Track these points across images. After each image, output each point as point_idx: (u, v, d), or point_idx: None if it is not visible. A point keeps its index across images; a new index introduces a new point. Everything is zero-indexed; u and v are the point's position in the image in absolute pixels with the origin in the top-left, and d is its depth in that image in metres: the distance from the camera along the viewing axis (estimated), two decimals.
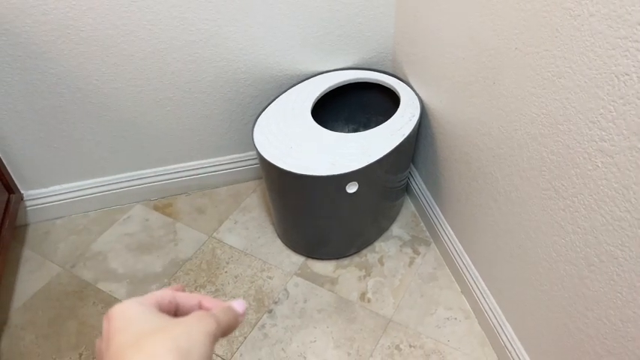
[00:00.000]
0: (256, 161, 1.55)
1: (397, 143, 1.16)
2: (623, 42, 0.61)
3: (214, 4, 1.20)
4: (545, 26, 0.74)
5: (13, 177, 1.36)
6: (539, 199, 0.86)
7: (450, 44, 1.07)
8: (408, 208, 1.48)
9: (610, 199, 0.69)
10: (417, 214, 1.45)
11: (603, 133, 0.67)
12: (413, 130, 1.20)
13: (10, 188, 1.34)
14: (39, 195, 1.44)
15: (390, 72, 1.41)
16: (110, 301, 1.27)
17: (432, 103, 1.23)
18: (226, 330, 0.35)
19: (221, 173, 1.54)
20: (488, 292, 1.13)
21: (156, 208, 1.52)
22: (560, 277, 0.85)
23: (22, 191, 1.41)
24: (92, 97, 1.28)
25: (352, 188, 1.14)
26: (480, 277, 1.16)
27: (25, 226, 1.48)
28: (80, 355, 1.16)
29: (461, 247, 1.23)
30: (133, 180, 1.49)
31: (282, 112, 1.27)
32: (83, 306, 1.26)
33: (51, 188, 1.44)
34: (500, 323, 1.09)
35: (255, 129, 1.22)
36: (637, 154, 0.63)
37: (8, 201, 1.32)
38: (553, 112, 0.77)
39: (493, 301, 1.12)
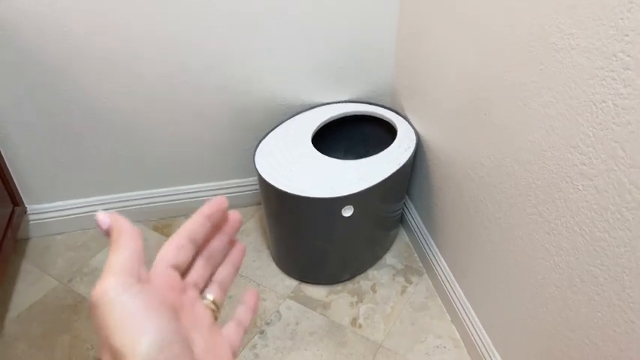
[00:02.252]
0: (256, 187, 1.59)
1: (393, 171, 1.20)
2: (600, 72, 0.66)
3: (226, 33, 1.27)
4: (532, 60, 0.80)
5: (19, 190, 1.40)
6: (525, 223, 0.90)
7: (445, 79, 1.13)
8: (402, 239, 1.51)
9: (590, 221, 0.73)
10: (411, 245, 1.48)
11: (583, 157, 0.72)
12: (408, 159, 1.24)
13: (16, 200, 1.38)
14: (42, 210, 1.47)
15: (389, 106, 1.47)
16: None
17: (428, 136, 1.28)
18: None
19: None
20: (477, 320, 1.15)
21: (155, 229, 1.55)
22: (544, 301, 0.88)
23: (26, 205, 1.45)
24: (101, 116, 1.34)
25: (348, 212, 1.18)
26: (470, 307, 1.18)
27: (26, 240, 1.50)
28: None
29: (453, 277, 1.26)
30: (134, 200, 1.52)
31: (284, 139, 1.32)
32: (77, 320, 1.27)
33: (54, 204, 1.48)
34: (489, 351, 1.10)
35: (256, 153, 1.27)
36: (614, 175, 0.67)
37: (12, 213, 1.35)
38: (539, 139, 0.82)
39: (482, 329, 1.13)
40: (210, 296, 0.35)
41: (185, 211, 1.58)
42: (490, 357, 1.10)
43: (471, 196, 1.09)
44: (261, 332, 1.25)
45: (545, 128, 0.80)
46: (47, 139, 1.35)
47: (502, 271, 1.01)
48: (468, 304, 1.19)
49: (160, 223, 1.57)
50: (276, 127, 1.37)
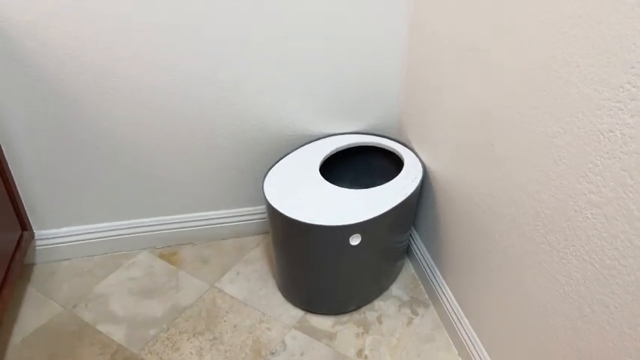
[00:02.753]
0: (262, 215, 1.60)
1: (400, 200, 1.21)
2: (607, 103, 0.68)
3: (237, 66, 1.30)
4: (538, 91, 0.82)
5: (28, 214, 1.41)
6: (534, 253, 0.90)
7: (451, 111, 1.15)
8: (408, 270, 1.51)
9: (599, 249, 0.73)
10: (417, 277, 1.48)
11: (592, 185, 0.73)
12: (415, 189, 1.26)
13: (25, 225, 1.38)
14: (49, 235, 1.48)
15: (395, 137, 1.50)
16: (108, 342, 1.27)
17: (434, 167, 1.29)
18: None
19: (228, 225, 1.59)
20: (485, 353, 1.14)
21: (161, 256, 1.55)
22: (555, 331, 0.87)
23: (34, 230, 1.46)
24: (113, 143, 1.36)
25: (355, 240, 1.18)
26: (477, 339, 1.17)
27: (32, 265, 1.50)
28: None
29: (460, 309, 1.25)
30: (141, 227, 1.53)
31: (292, 168, 1.34)
32: (81, 346, 1.26)
33: (62, 229, 1.49)
34: None
35: (265, 181, 1.28)
36: (623, 203, 0.68)
37: (21, 237, 1.36)
38: (547, 169, 0.83)
39: None
40: None
41: (191, 239, 1.59)
42: None
43: (479, 225, 1.10)
44: None
45: (553, 158, 0.81)
46: (59, 164, 1.36)
47: (511, 301, 1.01)
48: (475, 335, 1.18)
49: (166, 251, 1.57)
50: (284, 156, 1.39)
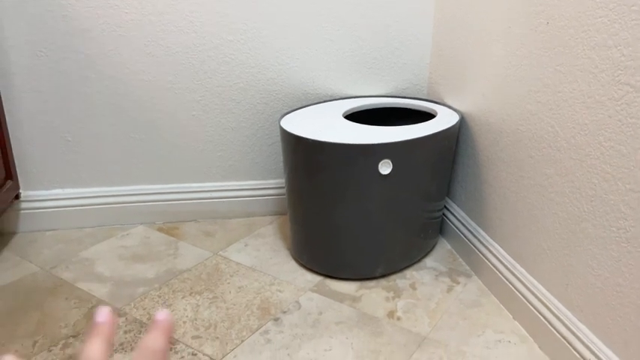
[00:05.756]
0: (276, 191, 1.42)
1: (435, 131, 1.06)
2: None
3: (258, 4, 1.23)
4: None
5: (16, 167, 1.26)
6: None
7: (491, 50, 1.04)
8: (444, 246, 1.30)
9: None
10: (454, 252, 1.27)
11: None
12: (451, 127, 1.11)
13: (10, 174, 1.23)
14: (36, 197, 1.31)
15: (425, 98, 1.37)
16: (87, 298, 1.06)
17: (474, 113, 1.15)
18: None
19: (236, 201, 1.41)
20: (558, 303, 0.91)
21: (160, 230, 1.36)
22: None
23: (21, 190, 1.30)
24: (120, 88, 1.25)
25: (386, 168, 1.01)
26: (545, 291, 0.95)
27: (12, 234, 1.32)
28: (35, 342, 0.93)
29: (521, 268, 1.02)
30: (140, 195, 1.36)
31: (312, 113, 1.21)
32: (53, 300, 1.05)
33: (51, 191, 1.32)
34: (587, 342, 0.85)
35: (282, 120, 1.15)
36: None
37: (3, 187, 1.19)
38: None
39: (575, 319, 0.89)
40: None
41: (194, 215, 1.40)
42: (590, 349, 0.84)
43: (528, 169, 0.93)
44: (276, 319, 1.00)
45: None
46: (58, 109, 1.24)
47: (590, 246, 0.81)
48: (547, 294, 0.94)
49: (166, 226, 1.38)
50: (302, 107, 1.26)
